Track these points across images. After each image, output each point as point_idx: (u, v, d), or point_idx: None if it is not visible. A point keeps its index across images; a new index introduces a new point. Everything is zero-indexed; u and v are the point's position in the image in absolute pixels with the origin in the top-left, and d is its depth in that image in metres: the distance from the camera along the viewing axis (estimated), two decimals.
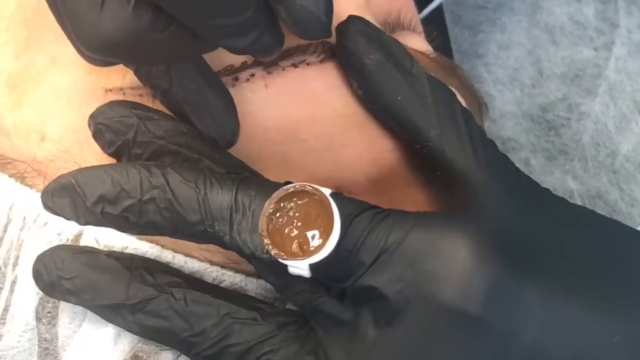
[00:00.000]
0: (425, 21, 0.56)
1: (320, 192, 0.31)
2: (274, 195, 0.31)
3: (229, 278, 0.35)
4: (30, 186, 0.36)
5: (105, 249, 0.35)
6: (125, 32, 0.29)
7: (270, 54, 0.32)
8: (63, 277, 0.33)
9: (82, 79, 0.36)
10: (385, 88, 0.36)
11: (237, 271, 0.35)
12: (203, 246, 0.35)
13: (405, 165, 0.38)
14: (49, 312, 0.35)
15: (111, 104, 0.35)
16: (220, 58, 0.36)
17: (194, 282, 0.34)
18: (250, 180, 0.32)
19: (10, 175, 0.36)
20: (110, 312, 0.33)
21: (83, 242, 0.35)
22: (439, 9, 0.66)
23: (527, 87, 0.64)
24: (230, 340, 0.33)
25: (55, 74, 0.37)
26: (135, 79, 0.35)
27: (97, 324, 0.35)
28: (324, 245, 0.31)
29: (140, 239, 0.35)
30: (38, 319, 0.35)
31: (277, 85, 0.37)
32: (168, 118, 0.34)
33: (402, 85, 0.35)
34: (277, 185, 0.32)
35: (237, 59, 0.36)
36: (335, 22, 0.37)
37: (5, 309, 0.35)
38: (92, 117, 0.34)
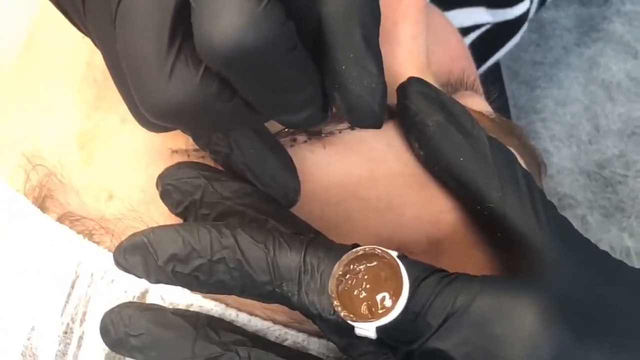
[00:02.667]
0: (482, 76, 0.57)
1: (389, 254, 0.32)
2: (343, 258, 0.32)
3: (292, 337, 0.36)
4: (97, 243, 0.37)
5: (171, 307, 0.35)
6: (193, 101, 0.29)
7: (316, 127, 0.33)
8: (130, 334, 0.34)
9: (149, 139, 0.37)
10: (447, 149, 0.36)
11: (299, 330, 0.36)
12: (266, 305, 0.35)
13: (465, 226, 0.38)
14: None
15: (179, 165, 0.35)
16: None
17: (257, 340, 0.34)
18: (318, 242, 0.33)
19: (79, 232, 0.37)
20: None
21: (149, 300, 0.36)
22: (497, 64, 0.66)
23: (583, 144, 0.64)
24: None
25: (124, 134, 0.38)
26: None
27: None
28: (393, 308, 0.31)
29: (205, 297, 0.36)
30: None
31: (336, 146, 0.37)
32: (234, 179, 0.35)
33: (463, 147, 0.36)
34: (344, 248, 0.32)
35: None
36: (397, 82, 0.38)
37: None
38: (161, 177, 0.35)
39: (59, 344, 0.36)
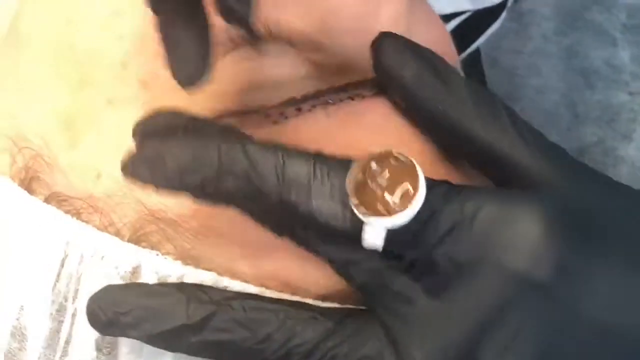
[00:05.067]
0: (462, 64, 0.57)
1: (405, 155, 0.32)
2: (360, 158, 0.32)
3: None
4: (86, 222, 0.37)
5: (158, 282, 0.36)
6: None
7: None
8: (120, 313, 0.34)
9: (136, 118, 0.37)
10: (426, 96, 0.36)
11: (293, 295, 0.36)
12: (259, 273, 0.36)
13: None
14: (109, 343, 0.36)
15: (153, 114, 0.35)
16: (283, 90, 0.38)
17: (248, 295, 0.35)
18: (325, 154, 0.33)
19: (66, 212, 0.37)
20: (171, 337, 0.34)
21: (142, 274, 0.36)
22: (476, 51, 0.67)
23: (563, 131, 0.65)
24: (295, 341, 0.33)
25: (110, 114, 0.38)
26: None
27: (155, 355, 0.35)
28: (411, 204, 0.31)
29: (197, 268, 0.36)
30: (98, 349, 0.36)
31: (338, 116, 0.38)
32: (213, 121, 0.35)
33: (441, 91, 0.36)
34: (350, 159, 0.33)
35: (298, 92, 0.38)
36: None
37: (67, 342, 0.36)
38: (136, 127, 0.35)
39: (52, 322, 0.36)
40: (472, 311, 0.32)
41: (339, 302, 0.36)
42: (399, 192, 0.32)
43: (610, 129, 0.65)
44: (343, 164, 0.33)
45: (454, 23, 0.61)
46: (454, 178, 0.37)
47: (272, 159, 0.32)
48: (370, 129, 0.38)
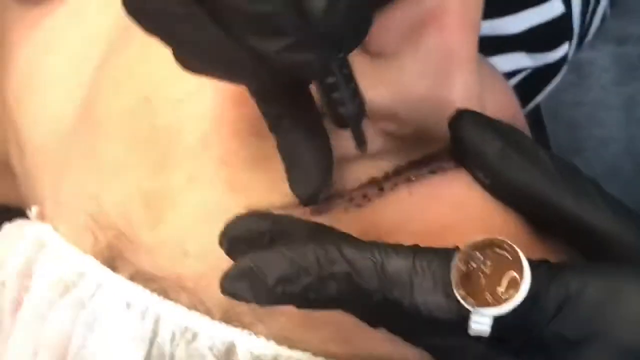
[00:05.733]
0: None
1: (506, 241, 0.32)
2: (463, 248, 0.32)
3: None
4: (174, 301, 0.37)
5: None
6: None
7: (346, 117, 0.34)
8: None
9: (219, 196, 0.38)
10: (513, 172, 0.37)
11: None
12: (354, 353, 0.36)
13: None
14: None
15: (238, 218, 0.36)
16: (362, 168, 0.38)
17: None
18: (423, 248, 0.33)
19: (152, 291, 0.38)
20: None
21: (236, 352, 0.36)
22: (536, 106, 0.67)
23: (625, 183, 0.64)
24: None
25: (191, 192, 0.38)
26: (276, 198, 0.37)
27: None
28: (517, 292, 0.32)
29: (292, 348, 0.36)
30: None
31: (421, 193, 0.38)
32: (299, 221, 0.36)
33: (527, 167, 0.36)
34: (450, 249, 0.33)
35: (377, 169, 0.38)
36: None
37: None
38: (223, 233, 0.35)
39: None
40: None
41: None
42: (504, 281, 0.32)
43: None
44: (443, 255, 0.33)
45: (513, 81, 0.61)
46: (540, 251, 0.37)
47: (371, 259, 0.32)
48: (453, 205, 0.38)
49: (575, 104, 0.68)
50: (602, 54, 0.70)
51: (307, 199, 0.36)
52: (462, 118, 0.37)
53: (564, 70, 0.63)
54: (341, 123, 0.35)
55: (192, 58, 0.32)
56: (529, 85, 0.62)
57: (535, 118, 0.67)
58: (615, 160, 0.66)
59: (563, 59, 0.62)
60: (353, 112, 0.34)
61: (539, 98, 0.64)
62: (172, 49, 0.32)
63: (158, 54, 0.33)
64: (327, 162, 0.36)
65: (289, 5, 0.28)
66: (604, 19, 0.68)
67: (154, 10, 0.30)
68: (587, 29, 0.65)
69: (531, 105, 0.64)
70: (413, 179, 0.38)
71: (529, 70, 0.61)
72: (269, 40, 0.29)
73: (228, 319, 0.37)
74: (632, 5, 0.69)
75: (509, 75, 0.60)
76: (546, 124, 0.68)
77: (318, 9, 0.29)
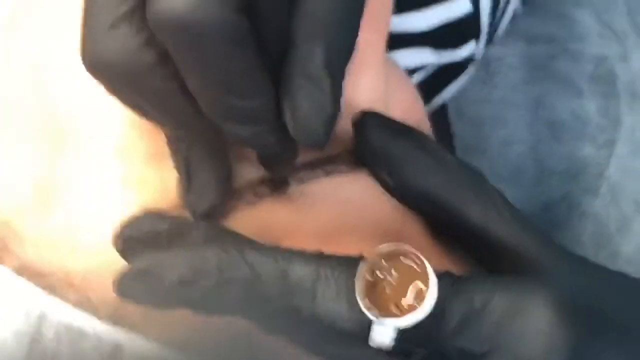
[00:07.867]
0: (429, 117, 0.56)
1: (415, 252, 0.32)
2: (367, 256, 0.32)
3: None
4: (61, 298, 0.36)
5: None
6: (123, 60, 0.29)
7: (275, 161, 0.33)
8: None
9: (112, 191, 0.37)
10: (418, 174, 0.36)
11: None
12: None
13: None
14: None
15: (137, 216, 0.34)
16: (255, 171, 0.37)
17: None
18: (326, 255, 0.33)
19: (39, 286, 0.36)
20: None
21: (123, 355, 0.35)
22: (443, 103, 0.66)
23: (529, 185, 0.64)
24: None
25: (83, 185, 0.37)
26: (172, 196, 0.36)
27: None
28: (424, 304, 0.31)
29: (182, 351, 0.35)
30: None
31: (314, 194, 0.38)
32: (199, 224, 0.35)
33: (433, 170, 0.36)
34: (355, 257, 0.32)
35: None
36: None
37: None
38: (119, 233, 0.34)
39: None
40: None
41: None
42: (410, 292, 0.32)
43: (575, 183, 0.64)
44: (348, 263, 0.32)
45: (417, 77, 0.60)
46: (440, 256, 0.37)
47: (273, 264, 0.31)
48: (347, 207, 0.38)
49: (481, 101, 0.67)
50: (512, 51, 0.69)
51: (201, 215, 0.35)
52: (367, 119, 0.37)
53: (470, 69, 0.63)
54: (267, 166, 0.36)
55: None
56: (433, 83, 0.61)
57: (441, 115, 0.66)
58: (519, 162, 0.65)
59: (470, 58, 0.61)
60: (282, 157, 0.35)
61: (443, 96, 0.63)
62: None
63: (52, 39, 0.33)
64: (223, 179, 0.35)
65: (272, 102, 0.30)
66: (514, 17, 0.67)
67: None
68: (497, 27, 0.64)
69: (436, 101, 0.63)
70: (305, 179, 0.38)
71: (434, 67, 0.60)
72: (242, 126, 0.30)
73: (116, 318, 0.36)
74: (544, 4, 0.69)
75: (413, 71, 0.59)
76: (451, 121, 0.67)
77: (304, 117, 0.30)
